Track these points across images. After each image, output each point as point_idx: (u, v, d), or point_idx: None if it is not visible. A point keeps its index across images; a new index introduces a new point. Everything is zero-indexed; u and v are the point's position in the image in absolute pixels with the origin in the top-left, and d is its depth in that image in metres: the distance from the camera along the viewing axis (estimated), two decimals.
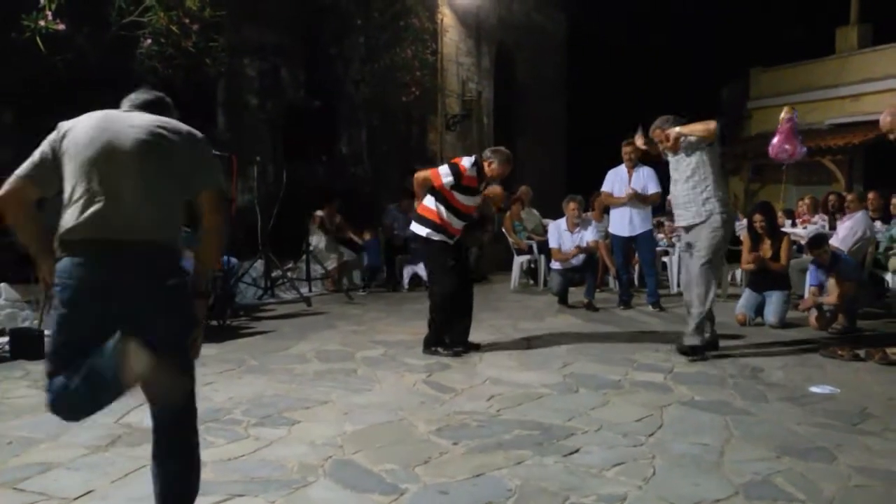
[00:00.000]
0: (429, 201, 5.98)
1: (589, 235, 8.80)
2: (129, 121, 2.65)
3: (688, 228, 5.92)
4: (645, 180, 8.46)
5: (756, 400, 4.67)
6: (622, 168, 8.65)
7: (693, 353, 5.74)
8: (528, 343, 6.46)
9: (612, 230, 8.80)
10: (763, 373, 5.39)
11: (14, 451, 3.55)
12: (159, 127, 2.70)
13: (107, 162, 2.51)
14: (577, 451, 3.66)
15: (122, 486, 3.15)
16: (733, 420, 4.22)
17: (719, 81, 19.31)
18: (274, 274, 8.93)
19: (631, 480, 3.28)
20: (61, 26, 6.67)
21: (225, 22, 8.02)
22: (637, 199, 8.37)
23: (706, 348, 5.85)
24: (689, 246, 5.96)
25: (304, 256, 9.46)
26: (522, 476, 3.31)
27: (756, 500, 3.12)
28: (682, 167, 5.86)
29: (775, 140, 10.22)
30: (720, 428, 4.08)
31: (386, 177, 12.16)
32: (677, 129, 5.82)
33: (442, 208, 5.92)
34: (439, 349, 5.93)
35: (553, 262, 9.00)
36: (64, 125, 2.62)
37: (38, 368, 5.20)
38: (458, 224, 6.01)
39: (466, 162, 5.94)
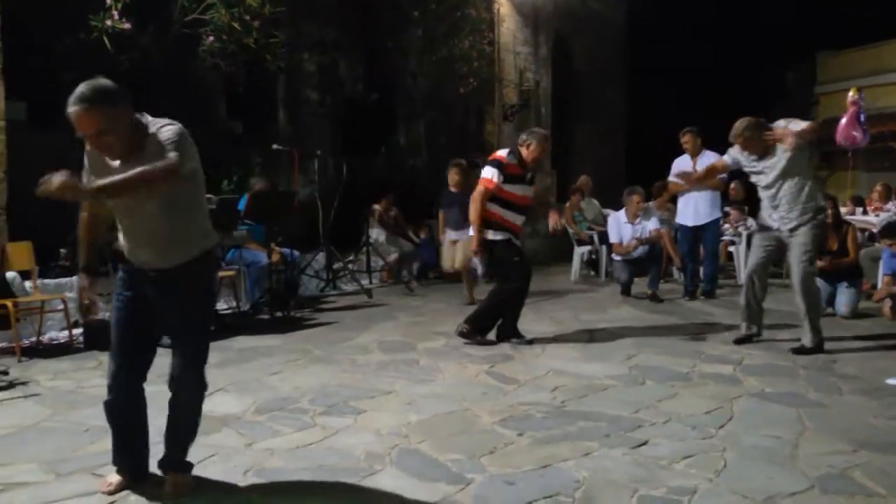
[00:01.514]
0: (490, 206, 5.95)
1: (651, 225, 8.67)
2: None
3: (792, 230, 5.65)
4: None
5: (829, 392, 4.54)
6: (687, 157, 8.50)
7: (807, 352, 5.58)
8: (590, 334, 6.39)
9: (678, 220, 8.68)
10: (836, 364, 5.23)
11: (91, 439, 3.65)
12: None
13: None
14: (645, 443, 3.60)
15: (195, 473, 3.21)
16: (806, 412, 4.10)
17: (785, 66, 18.77)
18: (335, 266, 9.02)
19: (701, 473, 3.21)
20: (127, 25, 6.84)
21: (284, 18, 8.12)
22: (698, 181, 8.23)
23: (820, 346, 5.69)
24: (778, 243, 5.77)
25: (364, 248, 9.53)
26: (590, 468, 3.27)
27: (833, 494, 3.02)
28: (779, 168, 5.60)
29: (840, 124, 9.86)
30: (793, 420, 3.97)
31: (444, 169, 12.13)
32: (792, 128, 5.51)
33: (500, 209, 5.90)
34: (513, 339, 5.97)
35: (614, 254, 8.93)
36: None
37: None
38: (518, 219, 6.00)
39: (502, 153, 6.01)
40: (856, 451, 3.48)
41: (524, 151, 5.98)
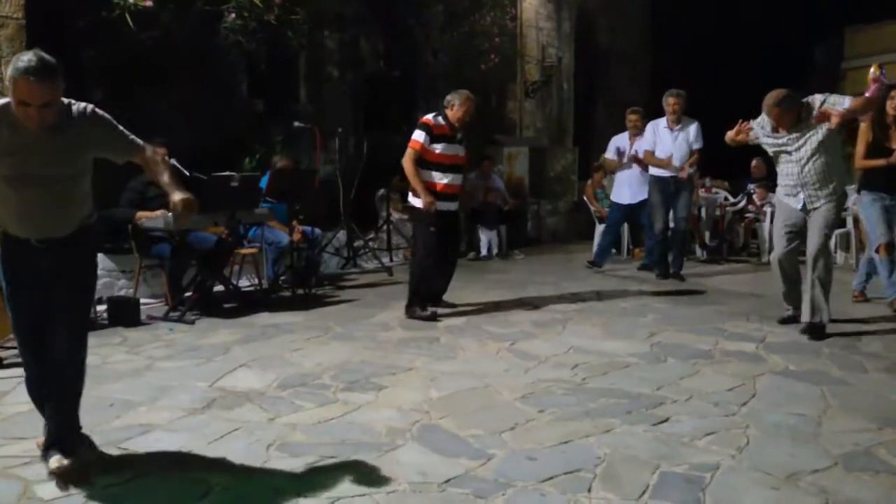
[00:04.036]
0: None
1: (694, 141, 8.01)
2: None
3: (818, 210, 5.38)
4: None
5: (854, 370, 4.50)
6: (625, 135, 8.93)
7: (813, 332, 5.32)
8: (612, 312, 6.36)
9: (613, 197, 8.93)
10: (860, 342, 5.19)
11: (116, 413, 3.70)
12: None
13: None
14: (666, 420, 3.59)
15: (219, 447, 3.25)
16: (830, 390, 4.08)
17: (812, 40, 18.42)
18: (356, 244, 9.03)
19: (724, 450, 3.20)
20: (149, 3, 6.82)
21: None
22: (637, 163, 8.57)
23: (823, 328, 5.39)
24: (799, 227, 5.50)
25: (384, 226, 9.54)
26: (611, 444, 3.27)
27: (857, 471, 3.01)
28: (810, 144, 5.33)
29: None
30: (816, 398, 3.95)
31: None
32: (845, 105, 5.23)
33: (429, 172, 6.04)
34: (416, 310, 6.06)
35: (650, 168, 8.20)
36: None
37: (135, 335, 5.43)
38: (453, 178, 6.09)
39: (429, 116, 6.16)
40: (881, 429, 3.46)
41: (449, 113, 6.12)
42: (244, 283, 7.37)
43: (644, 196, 8.52)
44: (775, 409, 3.76)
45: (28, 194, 2.85)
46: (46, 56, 2.74)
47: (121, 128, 3.02)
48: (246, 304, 6.49)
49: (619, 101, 15.96)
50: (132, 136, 3.06)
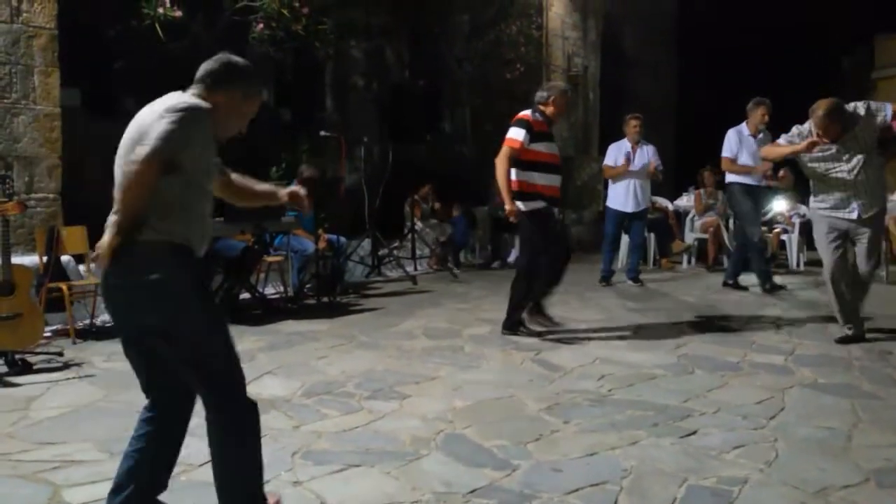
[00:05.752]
0: (514, 175, 5.56)
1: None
2: None
3: (871, 218, 5.28)
4: (650, 157, 8.47)
5: (885, 384, 4.42)
6: (625, 142, 8.60)
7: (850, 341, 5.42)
8: (638, 323, 6.31)
9: (612, 204, 8.62)
10: (891, 356, 5.09)
11: None
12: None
13: None
14: (694, 432, 3.55)
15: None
16: (861, 404, 4.01)
17: (841, 49, 18.23)
18: (381, 252, 9.06)
19: (752, 463, 3.16)
20: (178, 13, 6.92)
21: (332, 4, 8.14)
22: (646, 173, 8.42)
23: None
24: (846, 237, 5.38)
25: (408, 235, 9.56)
26: (637, 456, 3.24)
27: (889, 487, 2.95)
28: (861, 148, 5.18)
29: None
30: (846, 412, 3.89)
31: (490, 156, 12.07)
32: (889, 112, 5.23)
33: (531, 174, 5.52)
34: (522, 329, 5.72)
35: (729, 175, 7.85)
36: None
37: None
38: (553, 180, 5.64)
39: (527, 112, 5.64)
40: None
41: (548, 109, 5.65)
42: (270, 290, 7.41)
43: (645, 206, 8.54)
44: (805, 422, 3.71)
45: (208, 197, 2.55)
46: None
47: None
48: (271, 312, 6.53)
49: (645, 110, 15.95)
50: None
